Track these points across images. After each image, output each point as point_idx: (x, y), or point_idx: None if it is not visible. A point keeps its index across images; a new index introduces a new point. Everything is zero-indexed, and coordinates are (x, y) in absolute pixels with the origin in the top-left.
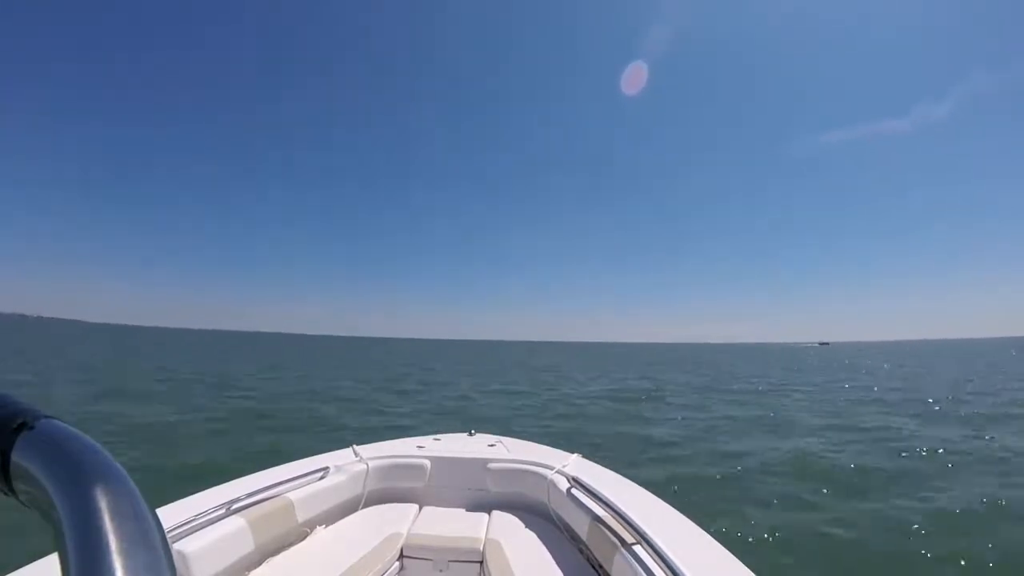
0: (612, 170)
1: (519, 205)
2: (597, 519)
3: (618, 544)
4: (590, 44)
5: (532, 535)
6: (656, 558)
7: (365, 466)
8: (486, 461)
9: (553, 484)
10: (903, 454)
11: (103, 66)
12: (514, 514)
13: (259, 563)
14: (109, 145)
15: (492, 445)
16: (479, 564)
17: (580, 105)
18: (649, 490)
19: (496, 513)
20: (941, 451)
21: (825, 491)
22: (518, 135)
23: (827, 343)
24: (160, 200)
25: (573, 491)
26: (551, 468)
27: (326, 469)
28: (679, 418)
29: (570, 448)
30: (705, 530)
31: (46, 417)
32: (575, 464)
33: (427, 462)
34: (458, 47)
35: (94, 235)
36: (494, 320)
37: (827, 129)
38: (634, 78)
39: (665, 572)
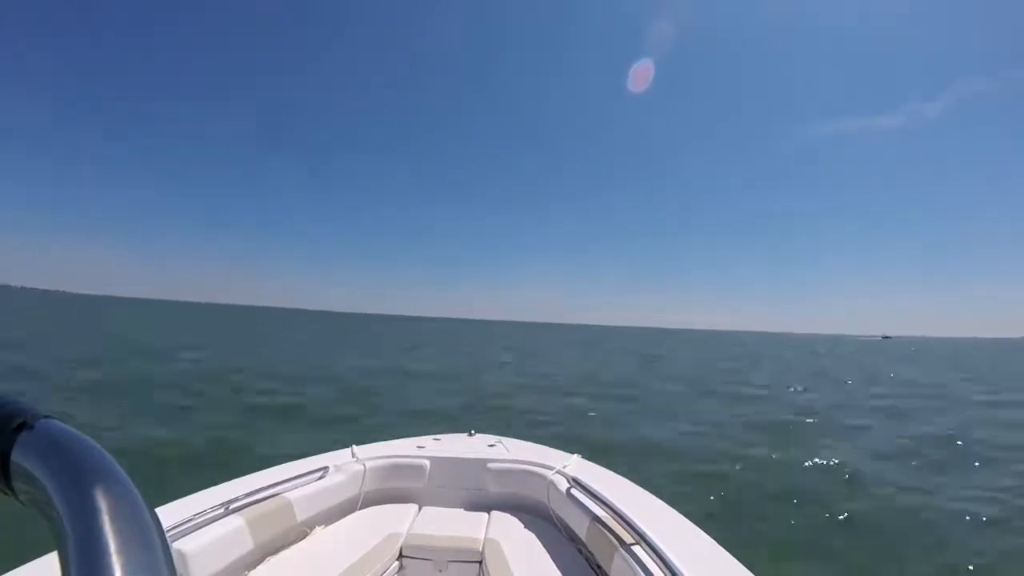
0: (650, 164)
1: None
2: (597, 519)
3: (617, 544)
4: (594, 44)
5: (531, 535)
6: (655, 558)
7: (364, 466)
8: (486, 461)
9: (553, 484)
10: None
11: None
12: (513, 514)
13: (258, 563)
14: (90, 112)
15: (492, 445)
16: (478, 564)
17: (591, 103)
18: (649, 491)
19: (496, 513)
20: None
21: None
22: (524, 132)
23: (889, 336)
24: (156, 171)
25: (573, 491)
26: (551, 468)
27: (325, 469)
28: None
29: (571, 449)
30: (704, 531)
31: (45, 417)
32: (575, 465)
33: (426, 462)
34: (455, 40)
35: (83, 204)
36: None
37: (838, 118)
38: (641, 75)
39: (664, 572)
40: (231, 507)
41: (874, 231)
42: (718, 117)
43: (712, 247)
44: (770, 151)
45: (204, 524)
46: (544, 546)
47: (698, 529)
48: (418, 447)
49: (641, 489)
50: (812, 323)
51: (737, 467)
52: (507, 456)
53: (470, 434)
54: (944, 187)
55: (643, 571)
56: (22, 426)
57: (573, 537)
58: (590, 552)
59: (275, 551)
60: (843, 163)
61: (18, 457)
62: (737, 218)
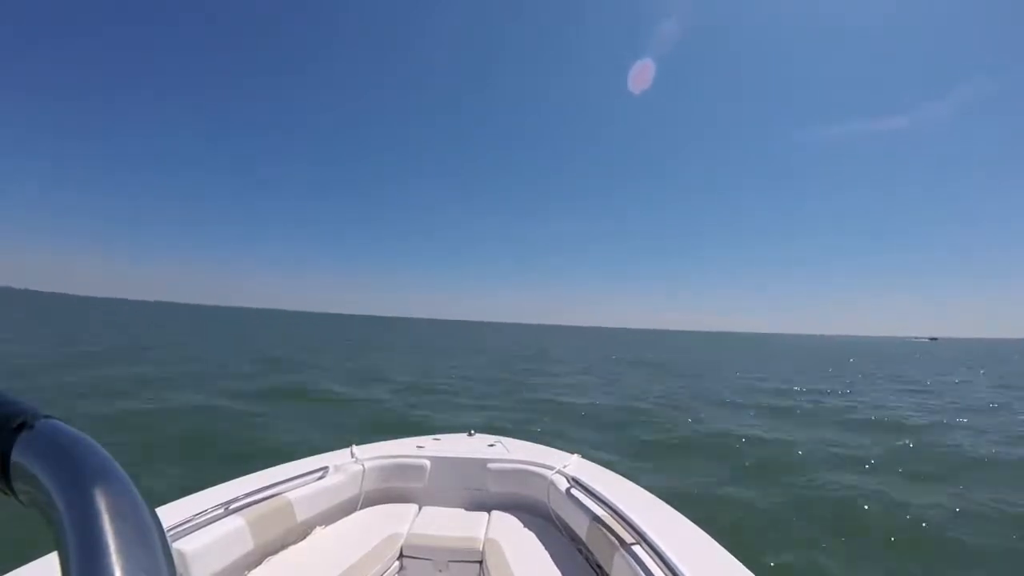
0: (674, 173)
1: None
2: (597, 519)
3: (617, 544)
4: (596, 44)
5: (532, 535)
6: (655, 558)
7: (364, 466)
8: (486, 461)
9: (553, 484)
10: None
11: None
12: (514, 514)
13: (258, 563)
14: (96, 118)
15: (492, 445)
16: (478, 564)
17: (596, 105)
18: (649, 490)
19: (496, 513)
20: None
21: None
22: (526, 133)
23: (936, 338)
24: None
25: (573, 491)
26: (551, 468)
27: (325, 469)
28: None
29: (571, 449)
30: (705, 530)
31: (45, 417)
32: (575, 464)
33: (426, 462)
34: (455, 40)
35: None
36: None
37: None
38: (641, 75)
39: (664, 572)
40: (231, 507)
41: (880, 235)
42: (724, 119)
43: (725, 252)
44: (778, 155)
45: (204, 524)
46: (544, 546)
47: (698, 529)
48: (418, 447)
49: (641, 489)
50: (848, 326)
51: None
52: (507, 456)
53: (470, 434)
54: (958, 189)
55: (643, 571)
56: (22, 426)
57: (573, 537)
58: (590, 552)
59: (275, 551)
60: (869, 166)
61: (18, 457)
62: (751, 223)
